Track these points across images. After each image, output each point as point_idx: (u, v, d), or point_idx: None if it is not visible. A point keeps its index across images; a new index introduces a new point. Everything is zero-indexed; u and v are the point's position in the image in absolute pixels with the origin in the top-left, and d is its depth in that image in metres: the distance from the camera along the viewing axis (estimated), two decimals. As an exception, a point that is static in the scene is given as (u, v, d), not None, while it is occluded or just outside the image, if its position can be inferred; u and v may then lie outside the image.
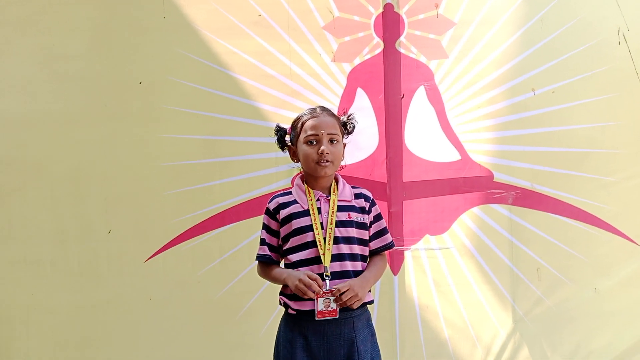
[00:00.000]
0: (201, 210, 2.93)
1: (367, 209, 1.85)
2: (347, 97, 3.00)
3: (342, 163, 1.91)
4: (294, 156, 1.89)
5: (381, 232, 1.89)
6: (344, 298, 1.70)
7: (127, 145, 2.95)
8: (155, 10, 2.95)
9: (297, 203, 1.81)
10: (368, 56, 3.00)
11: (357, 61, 3.00)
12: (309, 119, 1.83)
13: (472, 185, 3.03)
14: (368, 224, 1.85)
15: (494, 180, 3.03)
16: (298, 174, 1.92)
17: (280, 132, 1.91)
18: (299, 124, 1.84)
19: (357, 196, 1.86)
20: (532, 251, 3.02)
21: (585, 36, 3.03)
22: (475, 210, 3.03)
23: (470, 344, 3.00)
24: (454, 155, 3.03)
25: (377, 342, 1.84)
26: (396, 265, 2.99)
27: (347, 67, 3.00)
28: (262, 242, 1.86)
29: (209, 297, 2.92)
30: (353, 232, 1.80)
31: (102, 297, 2.93)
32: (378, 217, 1.89)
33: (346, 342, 1.74)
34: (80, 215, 2.94)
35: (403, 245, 2.98)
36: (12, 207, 2.94)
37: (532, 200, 3.03)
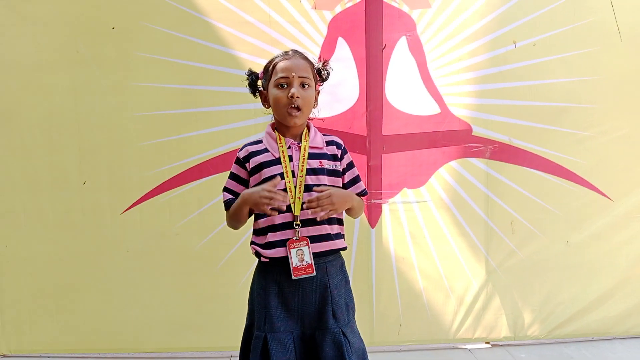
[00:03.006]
0: (178, 162, 2.89)
1: (339, 156, 1.82)
2: (328, 47, 2.93)
3: (316, 112, 1.85)
4: (265, 101, 1.83)
5: (355, 180, 1.86)
6: (322, 203, 1.67)
7: (100, 93, 2.85)
8: (128, -49, 2.81)
9: (268, 152, 1.77)
10: (350, 4, 2.92)
11: (338, 9, 2.92)
12: (281, 60, 1.76)
13: (451, 139, 3.03)
14: (341, 171, 1.82)
15: (473, 134, 3.03)
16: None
17: (252, 76, 1.85)
18: (271, 66, 1.78)
19: (329, 143, 1.82)
20: (507, 205, 3.06)
21: (568, -13, 2.99)
22: (453, 163, 3.04)
23: (444, 295, 3.07)
24: (433, 109, 3.01)
25: (350, 288, 1.84)
26: (374, 218, 3.00)
27: (328, 15, 2.92)
28: (225, 189, 1.81)
29: (187, 249, 2.91)
30: (325, 180, 1.76)
31: (78, 248, 2.91)
32: (351, 165, 1.85)
33: (319, 288, 1.74)
34: (53, 165, 2.87)
35: (381, 199, 2.99)
36: (-18, 157, 2.87)
37: (509, 154, 3.05)
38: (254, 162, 1.76)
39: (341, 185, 1.82)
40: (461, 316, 3.08)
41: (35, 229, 2.89)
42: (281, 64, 1.75)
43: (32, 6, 2.82)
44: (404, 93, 2.99)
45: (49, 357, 2.99)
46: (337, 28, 2.93)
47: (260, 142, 1.81)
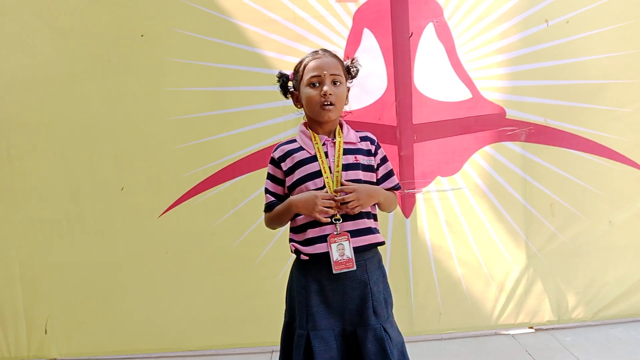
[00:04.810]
0: (212, 162, 2.93)
1: (373, 152, 1.83)
2: (354, 39, 2.93)
3: (347, 108, 1.86)
4: (297, 102, 1.84)
5: (389, 174, 1.87)
6: (349, 205, 1.70)
7: (133, 101, 2.91)
8: (155, -40, 2.87)
9: (304, 150, 1.78)
10: (373, -6, 2.92)
11: (362, 0, 2.91)
12: (311, 60, 1.78)
13: (484, 123, 3.00)
14: (375, 167, 1.83)
15: (507, 117, 3.00)
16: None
17: (282, 78, 1.86)
18: (301, 67, 1.79)
19: (363, 139, 1.83)
20: (546, 187, 3.03)
21: (600, -39, 2.93)
22: (488, 149, 3.01)
23: (484, 282, 3.05)
24: (465, 94, 2.98)
25: (388, 283, 1.85)
26: (408, 208, 3.00)
27: (353, 7, 2.92)
28: (267, 191, 1.84)
29: (224, 248, 2.96)
30: (360, 175, 1.77)
31: (119, 252, 2.98)
32: (384, 160, 1.86)
33: (360, 285, 1.75)
34: (92, 172, 2.94)
35: (414, 188, 2.98)
36: (25, 168, 2.95)
37: (545, 136, 3.01)
38: (290, 160, 1.78)
39: (375, 180, 1.83)
40: (502, 302, 3.06)
41: (78, 235, 2.98)
42: (312, 63, 1.76)
43: (67, 19, 2.89)
44: (434, 80, 2.97)
45: (97, 359, 3.08)
46: (362, 19, 2.92)
47: (294, 141, 1.82)
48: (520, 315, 3.07)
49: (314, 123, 1.81)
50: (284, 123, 2.86)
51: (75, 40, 2.91)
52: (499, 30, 2.95)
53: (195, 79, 2.90)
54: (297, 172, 1.76)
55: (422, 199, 3.00)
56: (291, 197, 1.76)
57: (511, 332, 3.09)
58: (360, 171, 1.78)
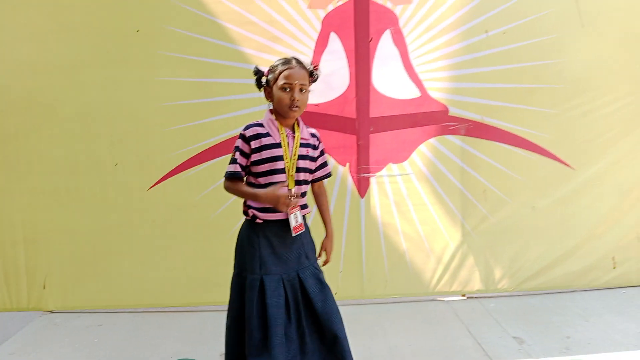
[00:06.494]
0: (196, 144, 3.30)
1: (317, 146, 2.28)
2: (322, 41, 3.31)
3: (309, 102, 2.28)
4: (269, 96, 2.21)
5: (325, 164, 2.34)
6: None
7: (128, 88, 3.26)
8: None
9: (270, 136, 2.16)
10: (340, 2, 3.29)
11: (330, 7, 3.29)
12: (286, 69, 2.15)
13: (430, 119, 3.39)
14: (316, 157, 2.28)
15: (449, 114, 3.40)
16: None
17: (258, 74, 2.22)
18: (277, 72, 2.16)
19: (312, 135, 2.28)
20: (480, 175, 3.44)
21: (534, -20, 3.30)
22: (432, 141, 3.42)
23: (425, 255, 3.47)
24: (414, 93, 3.38)
25: (312, 237, 2.32)
26: (363, 190, 3.43)
27: (322, 13, 3.29)
28: (234, 161, 2.19)
29: (204, 219, 3.33)
30: (307, 164, 2.22)
31: (111, 220, 3.33)
32: (322, 152, 2.32)
33: (296, 238, 2.20)
34: (89, 150, 3.29)
35: (369, 173, 3.40)
36: (30, 145, 3.28)
37: (481, 131, 3.41)
38: (259, 142, 2.15)
39: (313, 168, 2.27)
40: (439, 273, 3.48)
41: (75, 205, 3.33)
42: (286, 72, 2.14)
43: (72, 14, 3.22)
44: (389, 80, 3.36)
45: (88, 312, 3.41)
46: (329, 24, 3.30)
47: (262, 125, 2.19)
48: (454, 284, 3.49)
49: (279, 116, 2.19)
50: (260, 112, 3.10)
51: (78, 33, 3.22)
52: (445, 38, 3.33)
53: (183, 70, 3.24)
54: (264, 152, 2.14)
55: (376, 182, 3.41)
56: (258, 191, 2.14)
57: (446, 298, 3.48)
58: (308, 161, 2.21)
